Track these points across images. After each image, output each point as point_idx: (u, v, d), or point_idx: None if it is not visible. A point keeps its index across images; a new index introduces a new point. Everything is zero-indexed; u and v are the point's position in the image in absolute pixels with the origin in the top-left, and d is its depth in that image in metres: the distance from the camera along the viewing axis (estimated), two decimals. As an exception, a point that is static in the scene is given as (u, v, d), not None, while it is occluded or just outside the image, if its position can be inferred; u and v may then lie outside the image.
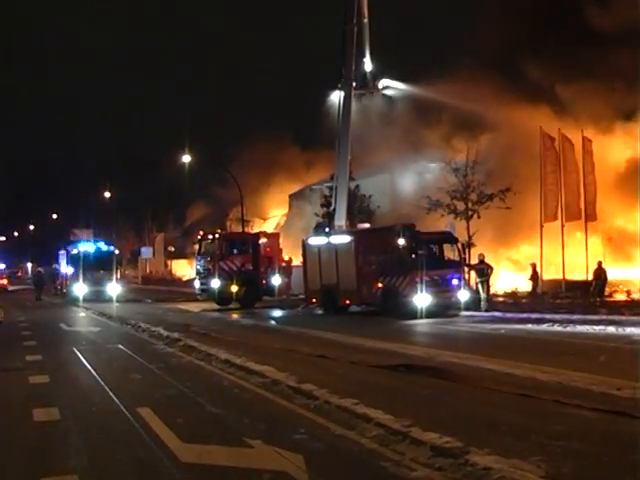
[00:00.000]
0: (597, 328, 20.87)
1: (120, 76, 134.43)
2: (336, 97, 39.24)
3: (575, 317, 24.01)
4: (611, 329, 20.45)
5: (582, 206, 34.62)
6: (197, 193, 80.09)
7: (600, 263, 29.72)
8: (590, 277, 31.75)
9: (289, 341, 20.46)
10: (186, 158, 52.11)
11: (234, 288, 37.63)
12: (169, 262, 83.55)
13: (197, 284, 40.82)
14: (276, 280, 38.63)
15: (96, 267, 46.94)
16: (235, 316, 33.32)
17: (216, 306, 37.96)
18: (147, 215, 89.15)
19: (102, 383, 14.06)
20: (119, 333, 25.13)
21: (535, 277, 32.22)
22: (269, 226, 66.56)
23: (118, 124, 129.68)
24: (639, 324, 20.97)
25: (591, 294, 28.89)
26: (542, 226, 34.16)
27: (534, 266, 32.44)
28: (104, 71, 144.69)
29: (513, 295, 32.84)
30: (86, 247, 49.73)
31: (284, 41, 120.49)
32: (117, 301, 42.35)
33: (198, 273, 40.87)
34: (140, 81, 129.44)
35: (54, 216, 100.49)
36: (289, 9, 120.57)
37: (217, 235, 40.30)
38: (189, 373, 15.15)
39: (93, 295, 45.08)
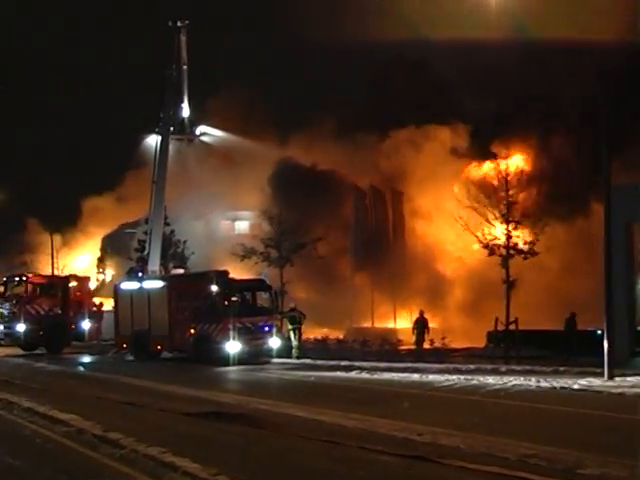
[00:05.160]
0: (402, 375, 21.61)
1: None
2: (153, 141, 39.01)
3: (382, 365, 24.76)
4: (415, 376, 21.23)
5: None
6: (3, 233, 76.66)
7: (422, 312, 30.39)
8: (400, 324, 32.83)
9: (97, 388, 19.94)
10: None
11: (41, 333, 36.30)
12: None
13: (1, 328, 39.00)
14: (86, 325, 37.54)
15: None
16: (41, 362, 32.04)
17: (21, 351, 36.40)
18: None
19: None
20: None
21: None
22: (81, 269, 64.60)
23: None
24: (441, 372, 21.94)
25: (415, 342, 29.56)
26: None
27: None
28: None
29: (324, 342, 33.41)
30: None
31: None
32: None
33: (2, 317, 38.98)
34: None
35: None
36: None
37: (24, 277, 38.79)
38: (-13, 422, 14.46)
39: None
